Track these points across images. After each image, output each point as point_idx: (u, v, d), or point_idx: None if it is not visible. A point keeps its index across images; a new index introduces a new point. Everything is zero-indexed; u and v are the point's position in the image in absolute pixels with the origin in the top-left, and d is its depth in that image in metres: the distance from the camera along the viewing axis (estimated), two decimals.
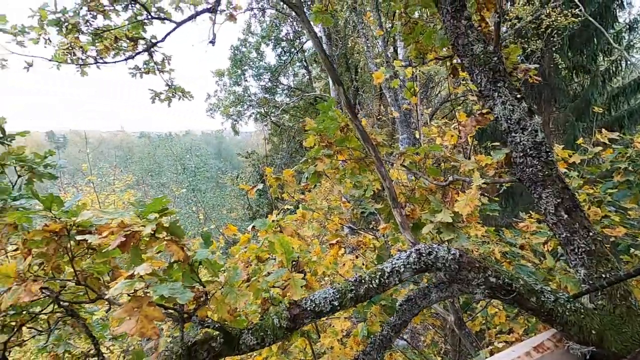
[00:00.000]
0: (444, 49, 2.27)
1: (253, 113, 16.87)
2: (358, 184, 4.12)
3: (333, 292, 1.46)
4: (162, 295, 1.10)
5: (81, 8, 3.01)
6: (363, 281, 1.49)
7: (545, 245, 2.97)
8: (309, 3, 13.13)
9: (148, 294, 1.09)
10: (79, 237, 1.20)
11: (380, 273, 1.51)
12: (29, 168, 2.48)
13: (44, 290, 1.24)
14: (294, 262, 1.82)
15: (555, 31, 10.31)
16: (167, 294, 1.09)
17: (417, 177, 2.76)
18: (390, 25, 11.39)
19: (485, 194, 2.97)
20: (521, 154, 1.74)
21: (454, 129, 3.28)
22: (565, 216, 1.65)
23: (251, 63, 16.27)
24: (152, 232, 1.19)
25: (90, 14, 3.03)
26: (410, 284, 3.48)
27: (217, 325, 1.31)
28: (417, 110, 5.39)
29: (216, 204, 22.05)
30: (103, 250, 1.19)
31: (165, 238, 1.21)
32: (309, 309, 1.43)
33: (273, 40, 16.25)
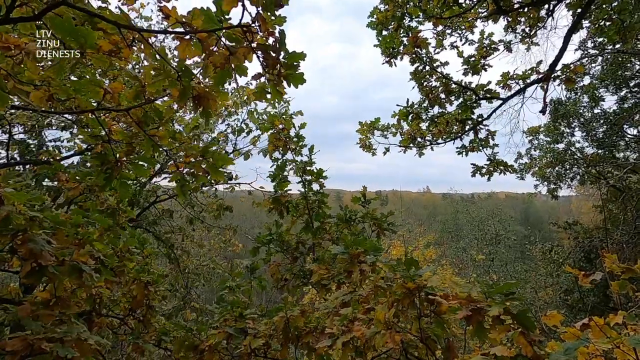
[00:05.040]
0: None
1: (578, 173, 13.86)
2: None
3: None
4: None
5: (424, 101, 3.84)
6: None
7: None
8: None
9: None
10: (431, 297, 1.39)
11: None
12: (378, 224, 3.36)
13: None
14: None
15: None
16: None
17: None
18: None
19: None
20: None
21: None
22: None
23: (580, 112, 13.61)
24: (498, 315, 1.18)
25: (430, 105, 3.80)
26: None
27: None
28: None
29: (520, 277, 19.18)
30: (448, 318, 1.30)
31: (512, 325, 1.15)
32: None
33: (614, 83, 12.99)
